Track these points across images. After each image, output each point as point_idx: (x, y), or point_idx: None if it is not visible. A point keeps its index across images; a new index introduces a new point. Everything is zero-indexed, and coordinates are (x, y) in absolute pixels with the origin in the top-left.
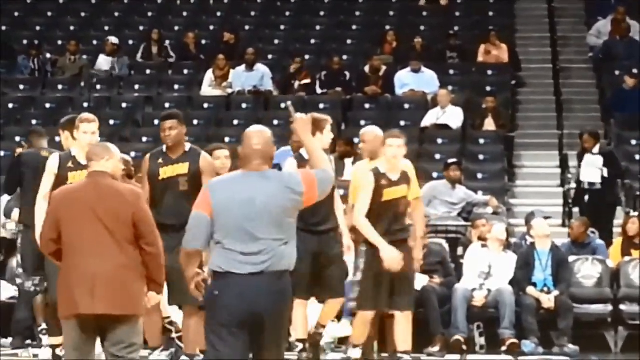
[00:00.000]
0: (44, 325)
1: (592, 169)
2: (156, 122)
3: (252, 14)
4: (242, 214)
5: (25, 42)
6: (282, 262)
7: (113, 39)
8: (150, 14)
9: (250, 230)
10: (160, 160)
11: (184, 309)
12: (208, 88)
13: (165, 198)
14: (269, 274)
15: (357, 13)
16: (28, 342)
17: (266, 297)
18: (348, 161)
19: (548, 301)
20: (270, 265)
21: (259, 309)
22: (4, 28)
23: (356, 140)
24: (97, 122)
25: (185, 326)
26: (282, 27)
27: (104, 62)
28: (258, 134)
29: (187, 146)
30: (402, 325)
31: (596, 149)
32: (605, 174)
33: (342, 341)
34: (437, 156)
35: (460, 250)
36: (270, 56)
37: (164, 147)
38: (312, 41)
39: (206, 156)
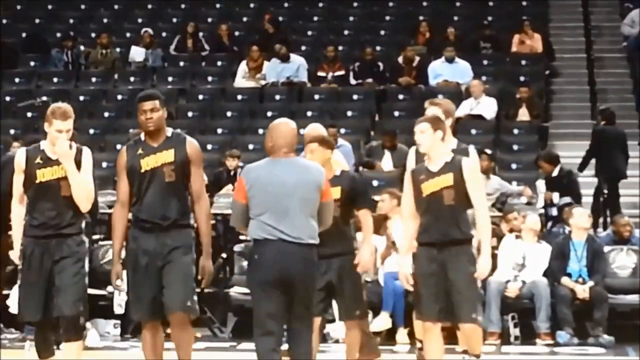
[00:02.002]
0: None
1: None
2: (190, 114)
3: (285, 5)
4: (275, 193)
5: (58, 35)
6: (309, 234)
7: (150, 31)
8: (183, 5)
9: (283, 207)
10: (140, 151)
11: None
12: (242, 80)
13: (149, 193)
14: (298, 244)
15: (391, 4)
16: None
17: (295, 262)
18: (387, 152)
19: (583, 292)
20: (299, 236)
21: (289, 272)
22: (37, 21)
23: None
24: (73, 118)
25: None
26: (315, 18)
27: (137, 54)
28: (283, 126)
29: (169, 131)
30: None
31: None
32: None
33: (377, 334)
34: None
35: (494, 241)
36: (303, 47)
37: (142, 135)
38: (346, 32)
39: (193, 142)
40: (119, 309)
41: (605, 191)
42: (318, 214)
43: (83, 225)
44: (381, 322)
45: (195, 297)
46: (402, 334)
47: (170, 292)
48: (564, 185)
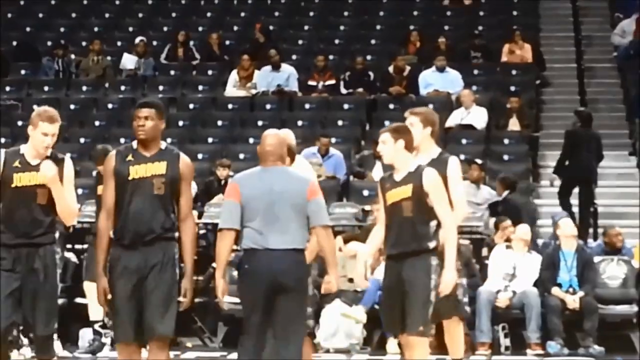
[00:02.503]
0: None
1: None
2: (180, 123)
3: (276, 14)
4: (265, 201)
5: (49, 43)
6: (297, 240)
7: (144, 40)
8: (174, 14)
9: (273, 214)
10: (130, 157)
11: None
12: (232, 89)
13: (135, 203)
14: (288, 250)
15: (381, 13)
16: None
17: (284, 268)
18: (378, 162)
19: (573, 302)
20: (288, 242)
21: (279, 279)
22: (28, 29)
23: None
24: (59, 123)
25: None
26: (306, 28)
27: (128, 61)
28: (272, 137)
29: (163, 144)
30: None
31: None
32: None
33: (367, 342)
34: (462, 156)
35: (484, 251)
36: (294, 56)
37: (134, 143)
38: (336, 41)
39: (186, 159)
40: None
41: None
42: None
43: (57, 235)
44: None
45: (174, 318)
46: (392, 343)
47: (151, 315)
48: (499, 211)
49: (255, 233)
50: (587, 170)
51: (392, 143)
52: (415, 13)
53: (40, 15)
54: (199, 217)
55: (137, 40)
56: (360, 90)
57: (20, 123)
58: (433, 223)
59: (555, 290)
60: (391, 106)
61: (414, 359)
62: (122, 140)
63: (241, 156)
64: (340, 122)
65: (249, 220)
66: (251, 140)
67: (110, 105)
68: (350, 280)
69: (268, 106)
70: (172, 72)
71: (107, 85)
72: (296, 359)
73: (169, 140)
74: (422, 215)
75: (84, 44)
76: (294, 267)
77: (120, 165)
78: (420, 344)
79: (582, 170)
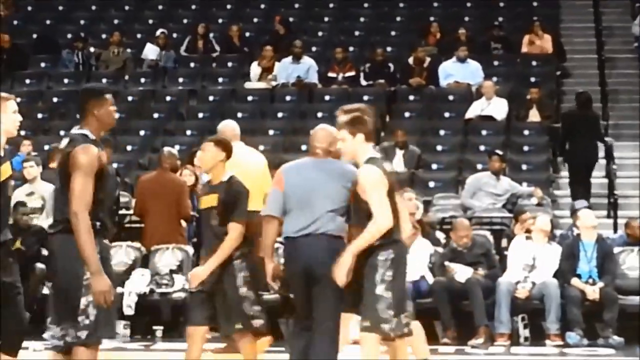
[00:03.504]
0: None
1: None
2: (200, 115)
3: (296, 6)
4: (303, 191)
5: (69, 36)
6: (333, 228)
7: (165, 32)
8: (194, 7)
9: (309, 203)
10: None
11: None
12: (253, 81)
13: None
14: (321, 235)
15: (401, 4)
16: None
17: (318, 254)
18: (399, 152)
19: (593, 292)
20: (323, 229)
21: (311, 265)
22: (48, 22)
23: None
24: None
25: None
26: (326, 19)
27: (151, 52)
28: (321, 131)
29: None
30: None
31: None
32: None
33: None
34: (482, 147)
35: (504, 242)
36: (314, 48)
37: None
38: (356, 33)
39: (80, 148)
40: (128, 310)
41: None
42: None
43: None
44: None
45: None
46: None
47: None
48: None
49: (292, 221)
50: (585, 153)
51: (350, 139)
52: (435, 4)
53: (60, 8)
54: None
55: (158, 32)
56: (380, 81)
57: (40, 116)
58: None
59: (575, 281)
60: (411, 97)
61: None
62: (142, 133)
63: (261, 147)
64: None
65: (289, 208)
66: (271, 132)
67: (130, 98)
68: None
69: (288, 98)
70: (192, 65)
71: (127, 77)
72: (326, 350)
73: (188, 132)
74: (364, 212)
75: (103, 36)
76: (325, 253)
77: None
78: (367, 340)
79: (580, 153)
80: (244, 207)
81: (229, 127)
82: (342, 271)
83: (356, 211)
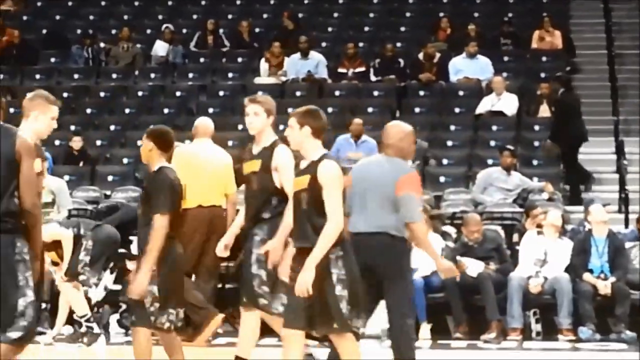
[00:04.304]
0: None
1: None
2: (210, 110)
3: (306, 1)
4: (362, 187)
5: (79, 31)
6: (384, 224)
7: (170, 27)
8: (203, 2)
9: (365, 201)
10: None
11: None
12: (263, 76)
13: None
14: (377, 234)
15: (411, 0)
16: None
17: (376, 252)
18: None
19: (604, 287)
20: (374, 226)
21: (368, 262)
22: (57, 18)
23: None
24: None
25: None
26: (336, 15)
27: (160, 48)
28: (392, 128)
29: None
30: None
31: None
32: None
33: None
34: (492, 143)
35: (515, 237)
36: (323, 44)
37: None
38: (366, 28)
39: (22, 136)
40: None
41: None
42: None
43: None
44: None
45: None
46: (425, 329)
47: None
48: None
49: (353, 218)
50: (581, 131)
51: (297, 129)
52: (444, 0)
53: (70, 3)
54: None
55: (164, 27)
56: (390, 77)
57: None
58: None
59: (586, 276)
60: (421, 93)
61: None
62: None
63: None
64: (370, 109)
65: (353, 205)
66: (281, 127)
67: (140, 93)
68: None
69: (298, 93)
70: (202, 60)
71: (136, 72)
72: (396, 337)
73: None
74: (316, 208)
75: (113, 31)
76: (379, 250)
77: None
78: (288, 340)
79: (578, 132)
80: (167, 199)
81: (201, 124)
82: (303, 284)
83: (313, 203)
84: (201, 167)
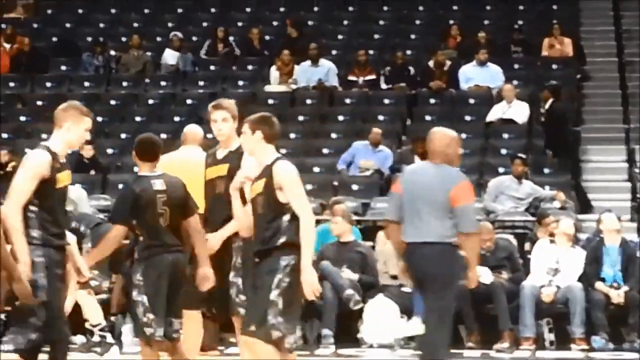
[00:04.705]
0: None
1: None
2: None
3: (315, 9)
4: (411, 195)
5: (89, 39)
6: (433, 234)
7: (179, 34)
8: (213, 9)
9: (416, 209)
10: None
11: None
12: (274, 84)
13: None
14: (427, 243)
15: (421, 7)
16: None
17: (425, 260)
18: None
19: (617, 296)
20: (422, 235)
21: (417, 270)
22: (68, 25)
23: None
24: None
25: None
26: (345, 22)
27: (170, 57)
28: (437, 134)
29: None
30: None
31: None
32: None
33: (411, 338)
34: (503, 151)
35: (527, 246)
36: (333, 51)
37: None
38: (376, 36)
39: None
40: None
41: None
42: (455, 219)
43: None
44: (414, 326)
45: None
46: None
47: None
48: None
49: (405, 226)
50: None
51: (250, 134)
52: (455, 7)
53: (80, 11)
54: None
55: (171, 35)
56: (400, 85)
57: None
58: (286, 218)
59: (599, 285)
60: (432, 101)
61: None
62: (164, 136)
63: (282, 151)
64: (380, 117)
65: (404, 213)
66: (292, 135)
67: (150, 101)
68: (393, 276)
69: (308, 101)
70: (212, 67)
71: (147, 80)
72: (428, 342)
73: (209, 136)
74: (271, 211)
75: (123, 39)
76: (431, 258)
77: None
78: (254, 347)
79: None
80: (119, 209)
81: (190, 131)
82: (309, 289)
83: (268, 207)
84: (190, 174)
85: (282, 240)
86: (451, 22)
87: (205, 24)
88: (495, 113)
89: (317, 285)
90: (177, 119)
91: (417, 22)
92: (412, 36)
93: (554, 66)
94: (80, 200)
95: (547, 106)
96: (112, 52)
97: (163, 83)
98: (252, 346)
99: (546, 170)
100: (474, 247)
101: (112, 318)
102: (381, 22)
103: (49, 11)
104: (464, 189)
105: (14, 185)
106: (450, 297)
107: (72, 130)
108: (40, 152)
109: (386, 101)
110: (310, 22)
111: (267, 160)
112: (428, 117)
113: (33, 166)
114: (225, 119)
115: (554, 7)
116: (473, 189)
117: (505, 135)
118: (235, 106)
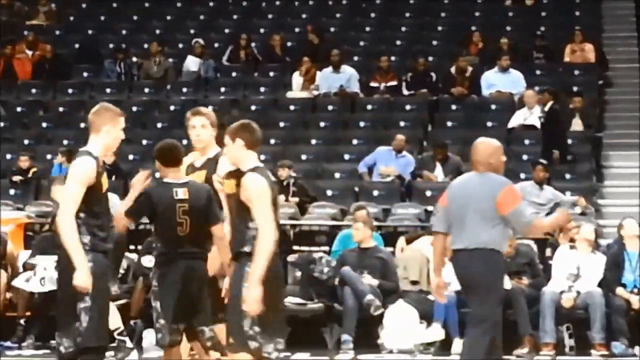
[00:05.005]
0: None
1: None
2: None
3: (337, 15)
4: (457, 205)
5: (111, 46)
6: (483, 241)
7: (200, 41)
8: (235, 16)
9: (461, 217)
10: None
11: None
12: (295, 90)
13: None
14: (474, 251)
15: (443, 14)
16: None
17: (469, 267)
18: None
19: (638, 302)
20: (474, 244)
21: (461, 278)
22: (90, 32)
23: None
24: None
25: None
26: (367, 29)
27: (192, 63)
28: (481, 145)
29: None
30: None
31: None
32: None
33: (431, 344)
34: (525, 157)
35: (548, 252)
36: (355, 58)
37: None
38: (398, 42)
39: None
40: None
41: None
42: (509, 224)
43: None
44: (434, 332)
45: None
46: (457, 344)
47: None
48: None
49: (452, 235)
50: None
51: (231, 143)
52: (476, 14)
53: (102, 18)
54: None
55: (193, 42)
56: (422, 91)
57: (82, 125)
58: (253, 225)
59: (619, 291)
60: (453, 107)
61: None
62: (185, 142)
63: (303, 157)
64: (402, 123)
65: (451, 223)
66: (313, 142)
67: (172, 107)
68: (413, 282)
69: (330, 107)
70: (234, 74)
71: (168, 87)
72: (467, 347)
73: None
74: (240, 216)
75: (145, 46)
76: (477, 268)
77: None
78: (236, 357)
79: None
80: (133, 210)
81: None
82: (251, 303)
83: (237, 211)
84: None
85: (247, 248)
86: (473, 28)
87: (227, 31)
88: (517, 119)
89: (258, 305)
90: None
91: (439, 28)
92: (434, 42)
93: (576, 72)
94: (115, 206)
95: (546, 108)
96: (134, 59)
97: (185, 89)
98: (236, 358)
99: (567, 176)
100: (540, 230)
101: (132, 322)
102: (403, 29)
103: (71, 18)
104: (510, 194)
105: (65, 194)
106: (493, 304)
107: (110, 132)
108: (87, 158)
109: (408, 107)
110: (332, 29)
111: (246, 167)
112: (449, 123)
113: (81, 173)
114: (204, 125)
115: (576, 13)
116: (517, 190)
117: (527, 141)
118: (215, 115)
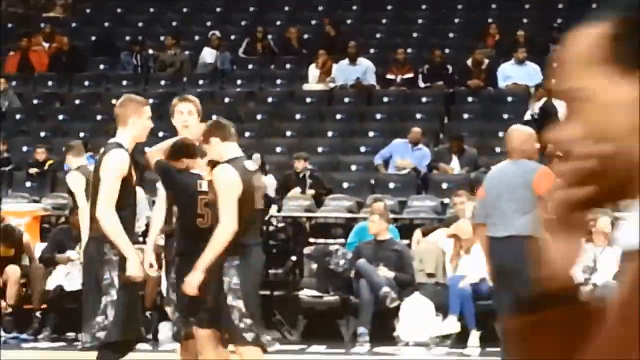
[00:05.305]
0: None
1: None
2: (259, 117)
3: (354, 7)
4: (494, 193)
5: (127, 38)
6: (515, 227)
7: (217, 33)
8: (251, 8)
9: (497, 205)
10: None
11: None
12: (312, 82)
13: None
14: (508, 238)
15: (459, 6)
16: None
17: (501, 255)
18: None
19: None
20: (505, 229)
21: (502, 262)
22: (106, 25)
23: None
24: None
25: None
26: (384, 21)
27: (208, 55)
28: (515, 132)
29: None
30: None
31: None
32: None
33: (447, 337)
34: None
35: None
36: (371, 50)
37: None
38: (414, 35)
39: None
40: None
41: None
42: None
43: None
44: (450, 325)
45: None
46: (474, 336)
47: None
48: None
49: (489, 223)
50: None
51: (209, 146)
52: (493, 6)
53: (118, 10)
54: (278, 210)
55: (210, 34)
56: (438, 83)
57: (99, 117)
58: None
59: None
60: (470, 99)
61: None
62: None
63: (319, 149)
64: (418, 116)
65: (488, 211)
66: (329, 134)
67: None
68: (429, 274)
69: (346, 100)
70: (250, 66)
71: (184, 79)
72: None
73: (247, 134)
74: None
75: (161, 38)
76: (512, 255)
77: None
78: (243, 351)
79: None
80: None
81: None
82: (188, 284)
83: (214, 198)
84: None
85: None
86: (489, 20)
87: (243, 23)
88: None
89: (194, 291)
90: (215, 117)
91: (456, 20)
92: (451, 35)
93: None
94: (141, 200)
95: (540, 104)
96: (150, 51)
97: (201, 82)
98: (242, 353)
99: None
100: None
101: (148, 314)
102: (419, 21)
103: (88, 10)
104: (545, 175)
105: (102, 187)
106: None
107: (137, 123)
108: (119, 151)
109: (424, 100)
110: (348, 21)
111: (223, 160)
112: (466, 116)
113: (117, 167)
114: (191, 111)
115: (593, 5)
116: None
117: None
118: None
